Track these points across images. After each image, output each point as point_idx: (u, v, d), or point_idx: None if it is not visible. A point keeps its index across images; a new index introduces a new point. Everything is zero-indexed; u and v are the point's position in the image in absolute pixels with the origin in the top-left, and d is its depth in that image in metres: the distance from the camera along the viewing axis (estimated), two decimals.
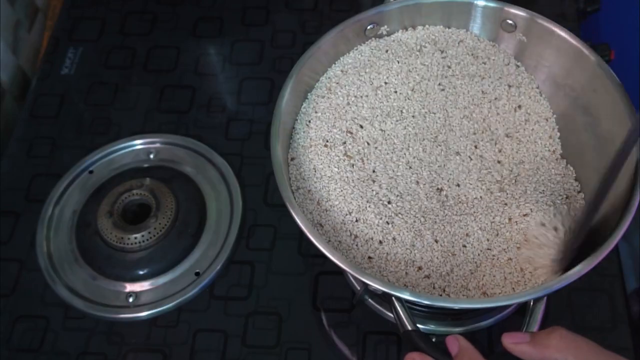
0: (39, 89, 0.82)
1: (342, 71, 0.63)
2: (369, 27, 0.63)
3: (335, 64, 0.63)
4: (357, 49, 0.64)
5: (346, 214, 0.56)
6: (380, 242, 0.55)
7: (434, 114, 0.61)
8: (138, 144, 0.76)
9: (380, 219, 0.56)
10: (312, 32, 0.84)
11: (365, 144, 0.59)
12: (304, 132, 0.60)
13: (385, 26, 0.64)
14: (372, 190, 0.57)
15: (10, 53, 0.85)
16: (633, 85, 0.65)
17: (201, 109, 0.79)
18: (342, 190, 0.57)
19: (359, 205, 0.56)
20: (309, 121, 0.60)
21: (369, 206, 0.56)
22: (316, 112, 0.61)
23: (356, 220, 0.56)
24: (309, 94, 0.62)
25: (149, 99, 0.80)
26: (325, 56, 0.62)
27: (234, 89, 0.80)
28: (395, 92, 0.62)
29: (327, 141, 0.59)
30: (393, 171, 0.58)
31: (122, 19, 0.87)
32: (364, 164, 0.58)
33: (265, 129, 0.76)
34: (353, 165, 0.58)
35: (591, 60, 0.58)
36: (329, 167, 0.58)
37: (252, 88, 0.80)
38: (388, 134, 0.60)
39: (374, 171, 0.58)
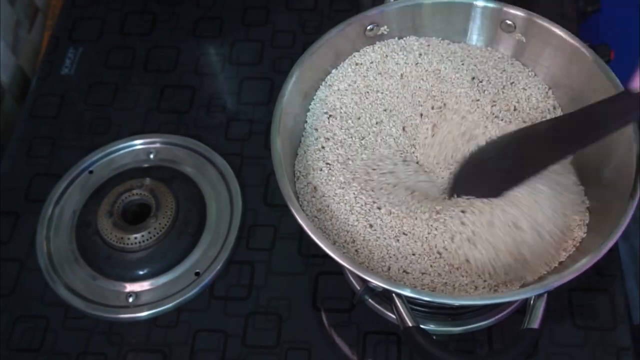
0: (39, 89, 0.82)
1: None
2: (369, 28, 0.63)
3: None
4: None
5: (349, 215, 0.57)
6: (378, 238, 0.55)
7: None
8: (138, 144, 0.76)
9: (380, 219, 0.56)
10: (312, 32, 0.84)
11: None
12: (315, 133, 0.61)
13: (386, 26, 0.64)
14: (377, 196, 0.57)
15: (10, 53, 0.85)
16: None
17: (201, 109, 0.79)
18: (347, 195, 0.57)
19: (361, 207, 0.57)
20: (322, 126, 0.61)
21: (372, 208, 0.57)
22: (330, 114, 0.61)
23: (357, 221, 0.56)
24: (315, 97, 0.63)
25: (149, 99, 0.80)
26: (325, 56, 0.62)
27: (234, 89, 0.80)
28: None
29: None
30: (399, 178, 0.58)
31: (122, 19, 0.87)
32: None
33: (265, 129, 0.76)
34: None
35: (589, 60, 0.58)
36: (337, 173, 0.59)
37: (252, 88, 0.80)
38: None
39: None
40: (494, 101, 0.61)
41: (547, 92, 0.62)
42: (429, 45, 0.65)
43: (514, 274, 0.54)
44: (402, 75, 0.63)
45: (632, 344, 0.62)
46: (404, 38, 0.65)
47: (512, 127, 0.58)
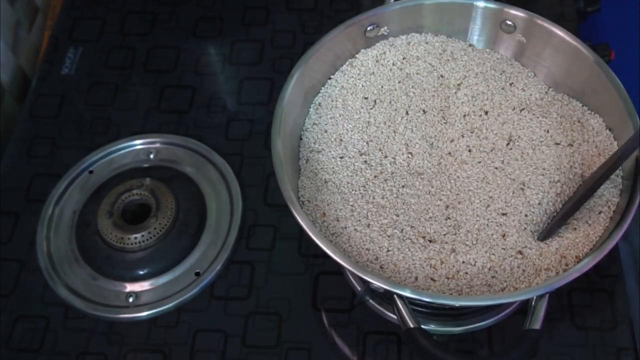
0: (39, 89, 0.82)
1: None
2: (369, 28, 0.64)
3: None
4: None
5: (350, 217, 0.56)
6: (381, 244, 0.55)
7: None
8: (138, 144, 0.76)
9: (384, 219, 0.56)
10: (312, 32, 0.84)
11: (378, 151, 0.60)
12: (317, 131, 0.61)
13: (386, 27, 0.64)
14: (377, 196, 0.57)
15: (10, 53, 0.85)
16: (633, 85, 0.65)
17: (201, 109, 0.79)
18: (347, 195, 0.57)
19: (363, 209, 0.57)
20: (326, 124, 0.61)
21: (373, 209, 0.56)
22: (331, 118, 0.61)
23: (358, 221, 0.56)
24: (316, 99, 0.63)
25: (149, 99, 0.80)
26: (326, 56, 0.62)
27: (234, 89, 0.80)
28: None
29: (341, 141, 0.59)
30: (403, 178, 0.58)
31: (122, 19, 0.87)
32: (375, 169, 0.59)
33: (265, 129, 0.76)
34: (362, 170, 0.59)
35: (590, 60, 0.58)
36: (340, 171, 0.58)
37: (252, 88, 0.80)
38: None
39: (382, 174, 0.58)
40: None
41: (547, 92, 0.62)
42: (427, 43, 0.65)
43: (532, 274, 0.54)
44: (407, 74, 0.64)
45: (632, 344, 0.62)
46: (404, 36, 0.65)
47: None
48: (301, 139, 0.61)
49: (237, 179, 0.73)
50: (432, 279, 0.53)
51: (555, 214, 0.55)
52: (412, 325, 0.49)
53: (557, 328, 0.63)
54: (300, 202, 0.57)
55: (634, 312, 0.65)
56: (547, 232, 0.54)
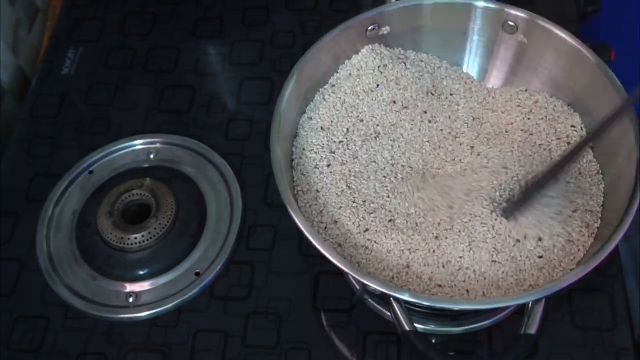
0: (39, 89, 0.82)
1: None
2: (370, 28, 0.64)
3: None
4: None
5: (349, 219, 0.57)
6: (379, 242, 0.55)
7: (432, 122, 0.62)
8: (138, 144, 0.76)
9: (380, 220, 0.56)
10: (312, 32, 0.84)
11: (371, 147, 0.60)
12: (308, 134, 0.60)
13: (387, 27, 0.64)
14: (370, 194, 0.57)
15: (10, 53, 0.85)
16: (633, 85, 0.65)
17: (201, 109, 0.79)
18: (341, 196, 0.57)
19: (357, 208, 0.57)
20: (317, 125, 0.61)
21: (368, 208, 0.56)
22: (321, 114, 0.61)
23: (353, 221, 0.56)
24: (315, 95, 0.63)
25: (149, 99, 0.80)
26: (326, 56, 0.62)
27: (234, 89, 0.80)
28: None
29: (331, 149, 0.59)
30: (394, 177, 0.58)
31: (122, 19, 0.87)
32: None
33: (265, 129, 0.76)
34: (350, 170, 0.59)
35: (591, 61, 0.58)
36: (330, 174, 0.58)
37: (252, 88, 0.80)
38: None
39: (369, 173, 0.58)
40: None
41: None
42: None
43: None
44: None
45: (632, 344, 0.62)
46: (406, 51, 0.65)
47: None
48: (296, 135, 0.61)
49: (237, 179, 0.73)
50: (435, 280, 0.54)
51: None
52: (407, 328, 0.49)
53: (557, 328, 0.63)
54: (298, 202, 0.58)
55: (634, 312, 0.65)
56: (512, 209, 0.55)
